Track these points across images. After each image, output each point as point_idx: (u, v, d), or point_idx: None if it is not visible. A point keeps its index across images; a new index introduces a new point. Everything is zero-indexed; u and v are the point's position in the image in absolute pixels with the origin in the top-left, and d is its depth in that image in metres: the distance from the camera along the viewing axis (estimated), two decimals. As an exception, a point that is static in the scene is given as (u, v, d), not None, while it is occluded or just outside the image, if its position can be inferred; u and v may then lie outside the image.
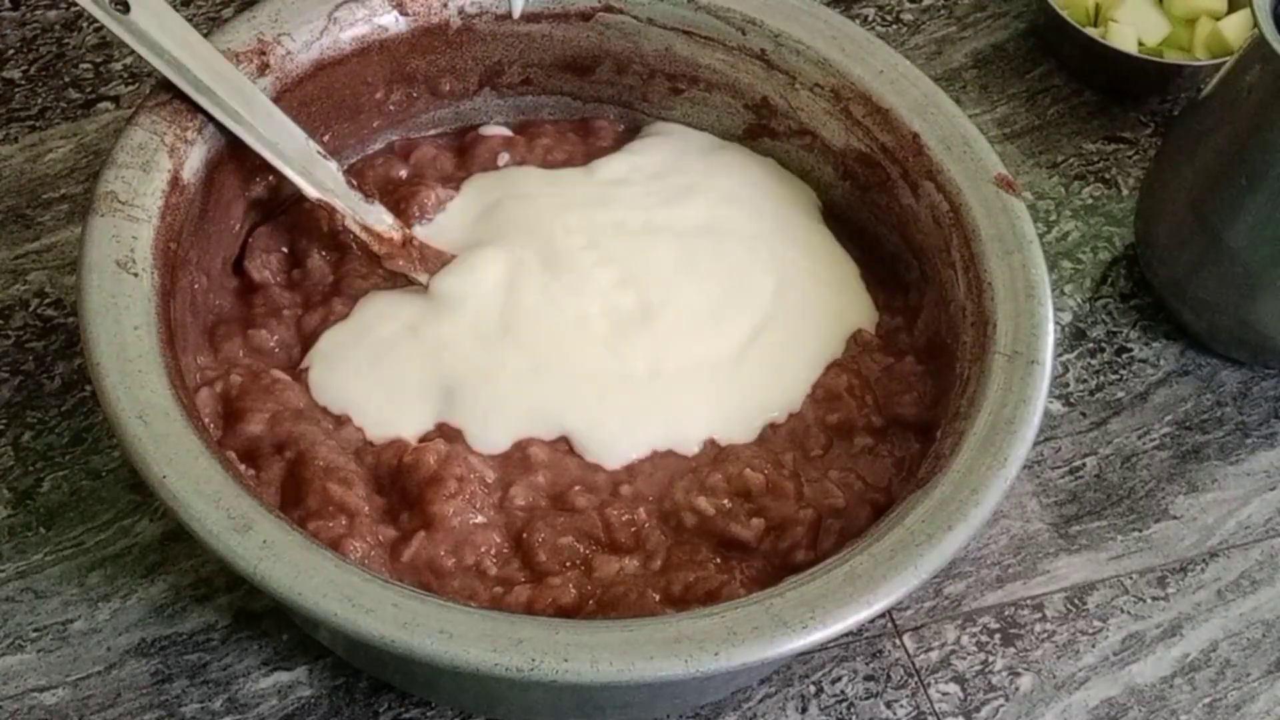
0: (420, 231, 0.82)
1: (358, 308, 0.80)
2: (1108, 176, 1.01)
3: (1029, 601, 0.84)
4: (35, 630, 0.77)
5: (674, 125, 0.90)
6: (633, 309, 0.80)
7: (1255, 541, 0.87)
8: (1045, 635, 0.83)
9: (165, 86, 0.75)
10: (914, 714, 0.79)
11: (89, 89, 0.97)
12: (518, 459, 0.76)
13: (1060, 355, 0.93)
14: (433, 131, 0.89)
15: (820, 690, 0.80)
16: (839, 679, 0.80)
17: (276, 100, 0.78)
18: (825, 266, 0.84)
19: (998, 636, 0.82)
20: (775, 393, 0.79)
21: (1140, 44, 1.02)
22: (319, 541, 0.65)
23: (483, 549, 0.73)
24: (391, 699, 0.77)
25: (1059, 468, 0.88)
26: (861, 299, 0.84)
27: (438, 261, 0.81)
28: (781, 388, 0.79)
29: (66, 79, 0.98)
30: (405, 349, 0.78)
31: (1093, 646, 0.82)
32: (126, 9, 0.73)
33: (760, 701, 0.79)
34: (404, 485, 0.74)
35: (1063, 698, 0.81)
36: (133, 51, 0.74)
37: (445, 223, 0.83)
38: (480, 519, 0.73)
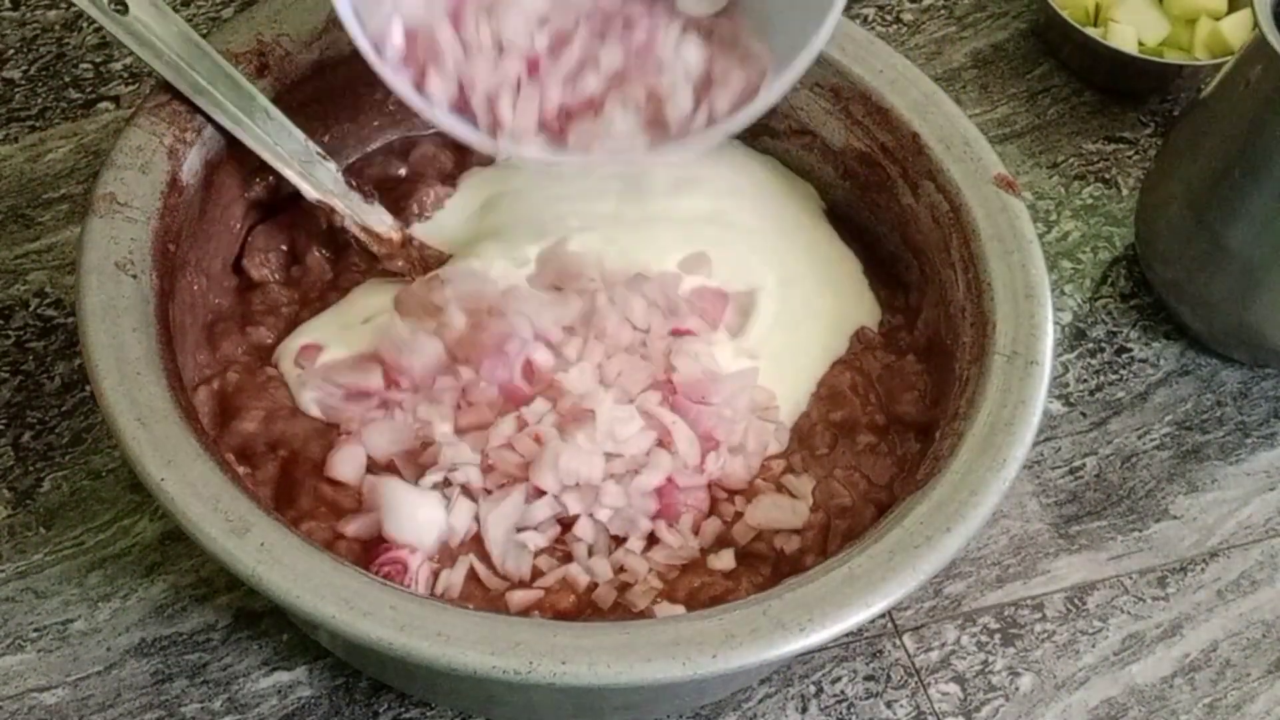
0: (419, 229, 0.82)
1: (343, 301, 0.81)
2: (1108, 176, 1.01)
3: (1029, 601, 0.84)
4: (35, 630, 0.77)
5: None
6: None
7: (1255, 541, 0.87)
8: (1045, 635, 0.83)
9: (164, 87, 0.75)
10: (914, 714, 0.79)
11: (89, 89, 0.97)
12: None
13: (1060, 355, 0.93)
14: (432, 130, 0.89)
15: (820, 690, 0.80)
16: (839, 679, 0.80)
17: (276, 101, 0.78)
18: (829, 264, 0.84)
19: (998, 636, 0.82)
20: (782, 391, 0.79)
21: (1140, 44, 1.02)
22: (316, 543, 0.65)
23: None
24: (391, 699, 0.77)
25: (1059, 468, 0.88)
26: (865, 296, 0.84)
27: (436, 262, 0.81)
28: (788, 386, 0.79)
29: (66, 79, 0.98)
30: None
31: (1093, 646, 0.82)
32: (125, 9, 0.73)
33: (760, 701, 0.79)
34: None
35: (1063, 698, 0.81)
36: (132, 52, 0.74)
37: (444, 220, 0.84)
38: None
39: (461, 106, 0.70)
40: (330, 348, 0.77)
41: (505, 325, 0.75)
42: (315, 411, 0.75)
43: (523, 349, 0.75)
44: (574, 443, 0.72)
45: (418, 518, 0.71)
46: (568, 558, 0.72)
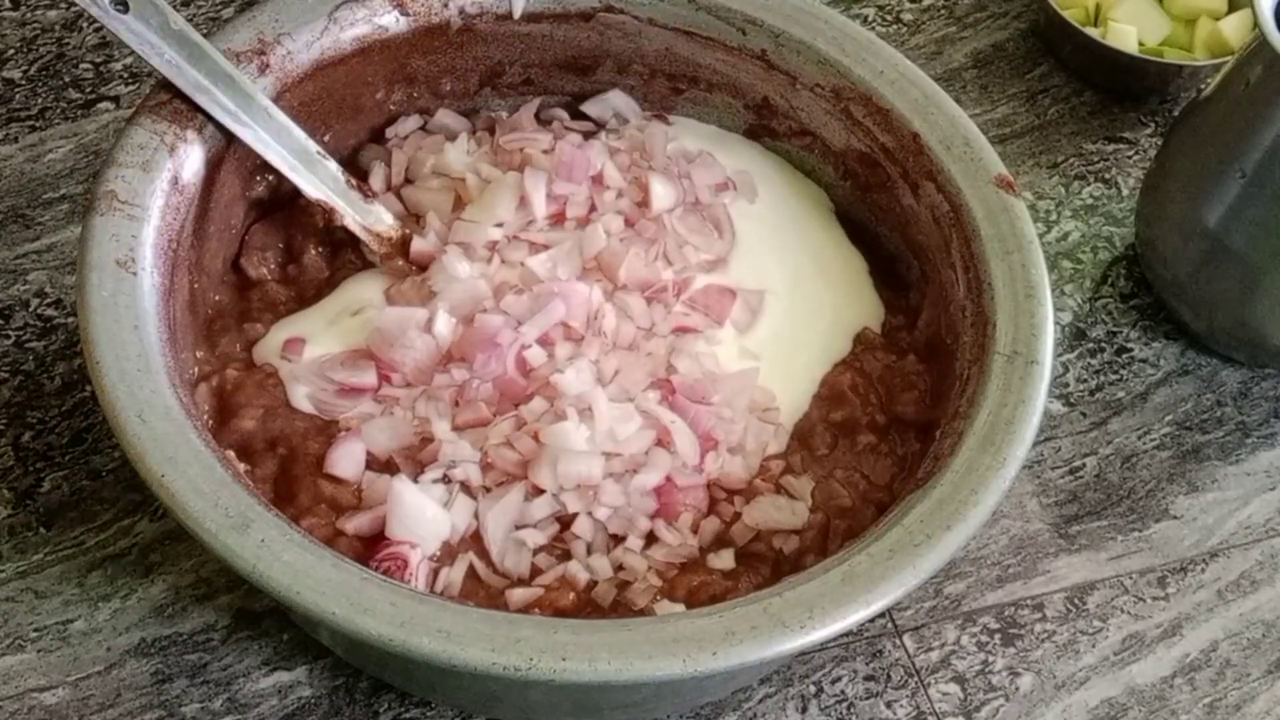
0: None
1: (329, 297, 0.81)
2: (1108, 176, 1.01)
3: (1029, 601, 0.84)
4: (35, 630, 0.77)
5: (678, 117, 0.90)
6: None
7: (1255, 541, 0.87)
8: (1045, 635, 0.83)
9: (165, 86, 0.75)
10: (914, 714, 0.79)
11: (89, 89, 0.98)
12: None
13: (1060, 355, 0.93)
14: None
15: (820, 690, 0.79)
16: (839, 679, 0.80)
17: (276, 100, 0.78)
18: (836, 265, 0.84)
19: (998, 636, 0.82)
20: (782, 392, 0.79)
21: (1140, 44, 1.02)
22: (316, 539, 0.65)
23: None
24: (391, 699, 0.77)
25: (1059, 468, 0.88)
26: (869, 296, 0.84)
27: (431, 260, 0.81)
28: (789, 386, 0.79)
29: (66, 79, 0.98)
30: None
31: (1093, 646, 0.82)
32: (126, 8, 0.73)
33: (760, 701, 0.79)
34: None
35: (1063, 698, 0.81)
36: (133, 51, 0.74)
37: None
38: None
39: None
40: (316, 341, 0.77)
41: (497, 320, 0.75)
42: (307, 407, 0.75)
43: (516, 340, 0.75)
44: (573, 441, 0.72)
45: (425, 516, 0.71)
46: (567, 556, 0.72)
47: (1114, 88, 1.05)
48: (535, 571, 0.72)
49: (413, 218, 0.83)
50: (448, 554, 0.72)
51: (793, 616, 0.63)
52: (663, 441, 0.75)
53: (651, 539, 0.73)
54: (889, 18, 1.08)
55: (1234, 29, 1.01)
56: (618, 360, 0.76)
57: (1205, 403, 0.92)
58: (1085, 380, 0.92)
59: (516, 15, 0.84)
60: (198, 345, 0.76)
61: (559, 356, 0.76)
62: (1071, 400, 0.91)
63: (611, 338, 0.77)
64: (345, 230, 0.80)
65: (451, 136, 0.86)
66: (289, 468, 0.73)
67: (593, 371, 0.75)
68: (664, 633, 0.62)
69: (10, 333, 0.87)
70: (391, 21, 0.82)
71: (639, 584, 0.71)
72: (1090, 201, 1.00)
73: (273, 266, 0.82)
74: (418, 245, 0.80)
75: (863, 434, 0.78)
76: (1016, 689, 0.81)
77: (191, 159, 0.75)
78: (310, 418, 0.75)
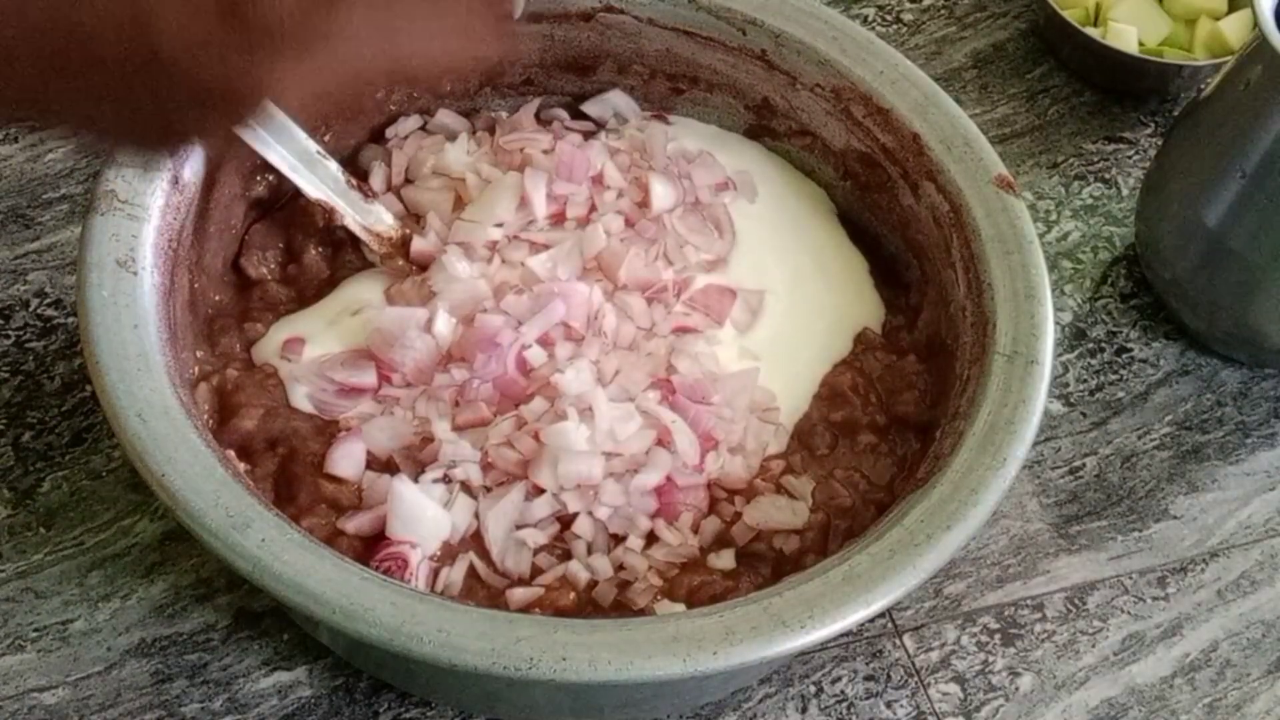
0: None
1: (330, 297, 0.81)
2: (1108, 176, 1.01)
3: (1029, 601, 0.84)
4: (35, 630, 0.77)
5: (678, 117, 0.90)
6: None
7: (1255, 541, 0.87)
8: (1045, 635, 0.83)
9: (165, 86, 0.75)
10: (914, 714, 0.79)
11: (89, 89, 0.97)
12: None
13: (1060, 355, 0.93)
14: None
15: (820, 690, 0.79)
16: (839, 679, 0.80)
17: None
18: (837, 265, 0.84)
19: (998, 636, 0.82)
20: (783, 391, 0.79)
21: (1140, 44, 1.02)
22: (316, 539, 0.65)
23: (482, 547, 0.73)
24: (391, 699, 0.77)
25: (1059, 468, 0.88)
26: (870, 297, 0.84)
27: (431, 260, 0.81)
28: (789, 386, 0.79)
29: (67, 79, 0.98)
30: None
31: (1093, 646, 0.82)
32: (126, 9, 0.73)
33: (760, 701, 0.79)
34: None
35: (1063, 698, 0.81)
36: (133, 51, 0.74)
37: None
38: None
39: None
40: (315, 341, 0.77)
41: (498, 320, 0.75)
42: (307, 407, 0.75)
43: (516, 340, 0.75)
44: (573, 441, 0.72)
45: (425, 516, 0.71)
46: (567, 555, 0.72)
47: (1114, 88, 1.05)
48: (536, 571, 0.72)
49: (413, 218, 0.83)
50: (448, 554, 0.72)
51: (793, 616, 0.63)
52: (663, 441, 0.75)
53: (652, 539, 0.74)
54: (889, 18, 1.08)
55: (1234, 29, 1.01)
56: (618, 360, 0.76)
57: (1205, 403, 0.92)
58: (1085, 380, 0.92)
59: (516, 15, 0.84)
60: (198, 345, 0.76)
61: (559, 356, 0.76)
62: (1071, 400, 0.91)
63: (612, 338, 0.77)
64: (345, 230, 0.80)
65: (451, 136, 0.86)
66: (289, 468, 0.73)
67: (593, 371, 0.75)
68: (664, 633, 0.62)
69: (10, 333, 0.87)
70: (392, 21, 0.82)
71: (639, 584, 0.72)
72: (1090, 201, 1.00)
73: (273, 266, 0.82)
74: (418, 245, 0.80)
75: (863, 434, 0.78)
76: (1016, 689, 0.81)
77: (191, 159, 0.75)
78: (310, 418, 0.75)
